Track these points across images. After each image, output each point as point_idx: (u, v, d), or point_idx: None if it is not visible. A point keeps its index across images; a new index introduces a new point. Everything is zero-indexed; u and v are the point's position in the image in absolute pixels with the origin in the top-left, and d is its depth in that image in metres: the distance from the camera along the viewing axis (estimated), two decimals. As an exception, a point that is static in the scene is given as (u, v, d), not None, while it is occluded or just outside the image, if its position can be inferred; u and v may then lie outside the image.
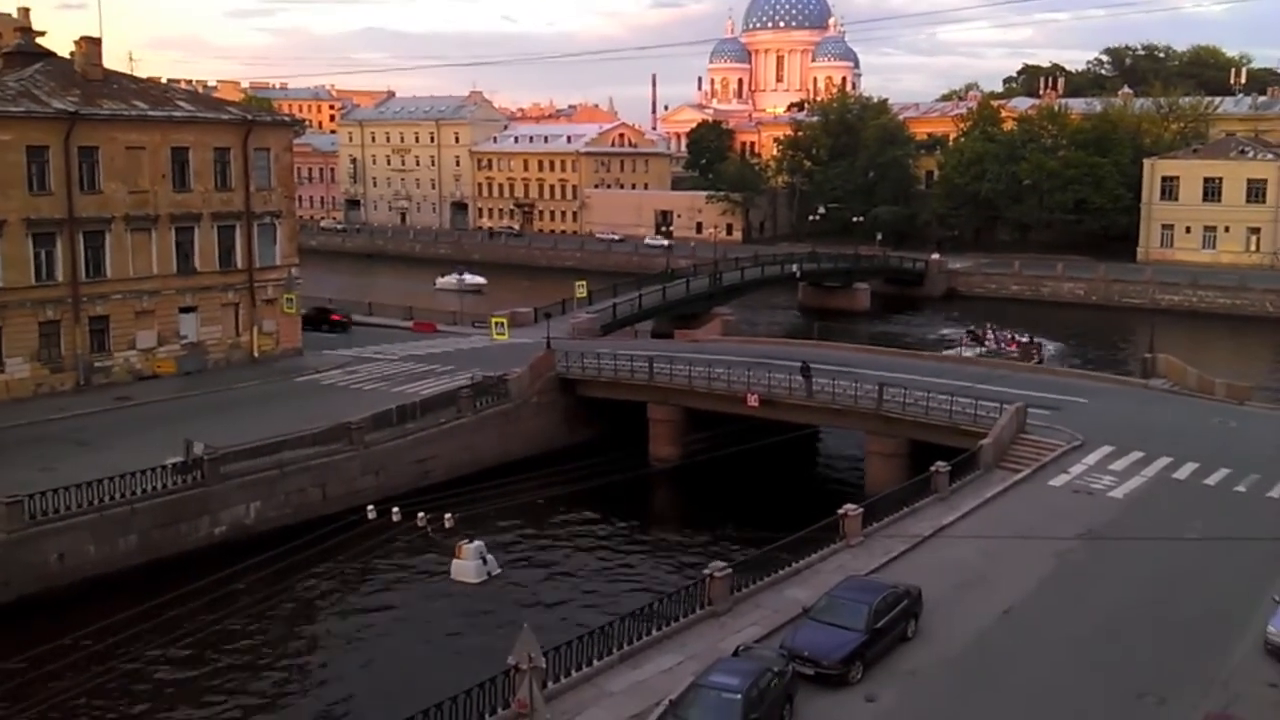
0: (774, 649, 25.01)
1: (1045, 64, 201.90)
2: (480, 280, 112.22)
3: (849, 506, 33.46)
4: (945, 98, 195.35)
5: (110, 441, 43.32)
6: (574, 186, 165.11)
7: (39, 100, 51.32)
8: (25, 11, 59.35)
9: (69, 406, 49.03)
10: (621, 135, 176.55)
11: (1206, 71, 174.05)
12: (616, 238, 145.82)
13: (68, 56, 56.90)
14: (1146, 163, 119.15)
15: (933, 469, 37.32)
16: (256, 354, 59.91)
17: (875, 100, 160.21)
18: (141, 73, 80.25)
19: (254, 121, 60.49)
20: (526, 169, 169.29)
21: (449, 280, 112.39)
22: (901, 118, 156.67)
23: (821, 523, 32.95)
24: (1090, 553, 31.84)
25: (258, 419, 45.84)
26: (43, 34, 59.19)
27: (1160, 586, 29.59)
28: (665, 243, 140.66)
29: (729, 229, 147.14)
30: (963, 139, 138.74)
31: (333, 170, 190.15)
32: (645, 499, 46.66)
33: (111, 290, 53.75)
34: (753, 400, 48.53)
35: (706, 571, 29.02)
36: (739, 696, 21.63)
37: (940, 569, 30.25)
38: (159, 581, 33.07)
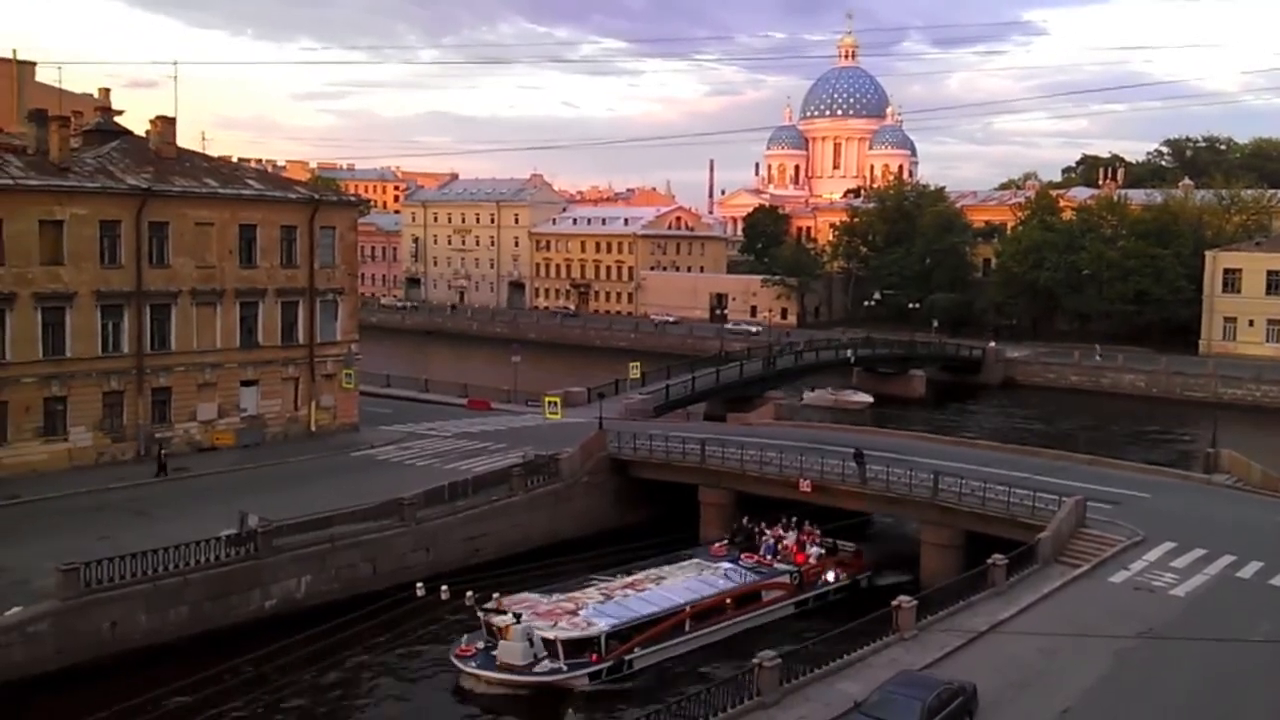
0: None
1: (1103, 154, 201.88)
2: (865, 399, 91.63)
3: (903, 598, 32.85)
4: (1003, 186, 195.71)
5: (167, 512, 43.82)
6: (630, 268, 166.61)
7: (114, 177, 52.99)
8: (105, 92, 61.74)
9: (129, 476, 49.79)
10: (678, 218, 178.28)
11: (1268, 164, 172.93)
12: (671, 319, 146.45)
13: (143, 135, 58.87)
14: (1209, 255, 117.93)
15: (989, 561, 36.59)
16: (314, 428, 60.59)
17: (932, 188, 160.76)
18: (213, 151, 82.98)
19: (320, 201, 61.92)
20: (584, 250, 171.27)
21: (821, 395, 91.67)
22: (958, 205, 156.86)
23: (874, 614, 32.37)
24: (1151, 652, 30.90)
25: (311, 493, 46.20)
26: (120, 113, 61.43)
27: (1224, 689, 28.58)
28: (755, 329, 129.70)
29: (784, 313, 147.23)
30: (1021, 228, 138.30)
31: (395, 249, 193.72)
32: (695, 584, 46.04)
33: (175, 362, 54.82)
34: (805, 485, 48.15)
35: (755, 661, 28.56)
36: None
37: (996, 666, 29.50)
38: (208, 653, 33.17)
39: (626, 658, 35.25)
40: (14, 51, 71.43)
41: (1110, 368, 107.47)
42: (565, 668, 34.23)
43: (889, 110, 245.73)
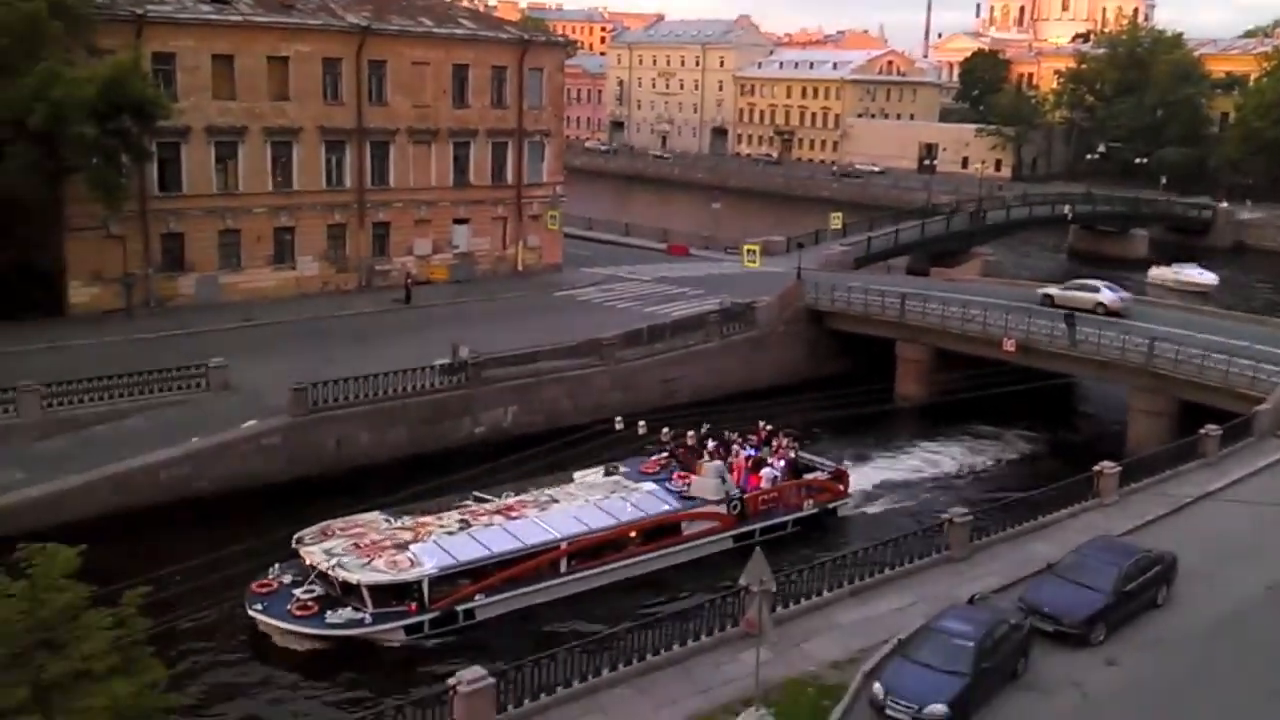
0: (1011, 602, 24.55)
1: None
2: (1210, 279, 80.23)
3: (1105, 464, 32.11)
4: (1248, 34, 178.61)
5: (385, 340, 46.56)
6: (836, 115, 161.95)
7: (334, 14, 54.72)
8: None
9: (351, 304, 52.95)
10: (890, 63, 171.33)
11: None
12: (877, 169, 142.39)
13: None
14: None
15: (1202, 431, 35.19)
16: (520, 267, 62.56)
17: (1169, 34, 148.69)
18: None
19: (530, 41, 62.34)
20: (789, 96, 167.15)
21: (1164, 273, 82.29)
22: (1197, 54, 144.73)
23: (1073, 478, 31.78)
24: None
25: (517, 329, 48.06)
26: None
27: None
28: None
29: (998, 165, 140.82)
30: (1265, 79, 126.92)
31: (600, 92, 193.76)
32: (888, 437, 46.09)
33: (393, 198, 57.24)
34: (1009, 345, 46.89)
35: (946, 516, 28.68)
36: (972, 644, 21.39)
37: (1200, 537, 28.70)
38: (422, 473, 35.37)
39: (460, 607, 28.37)
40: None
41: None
42: (369, 619, 27.47)
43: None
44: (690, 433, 37.05)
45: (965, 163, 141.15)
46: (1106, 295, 54.76)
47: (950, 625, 22.15)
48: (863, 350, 52.46)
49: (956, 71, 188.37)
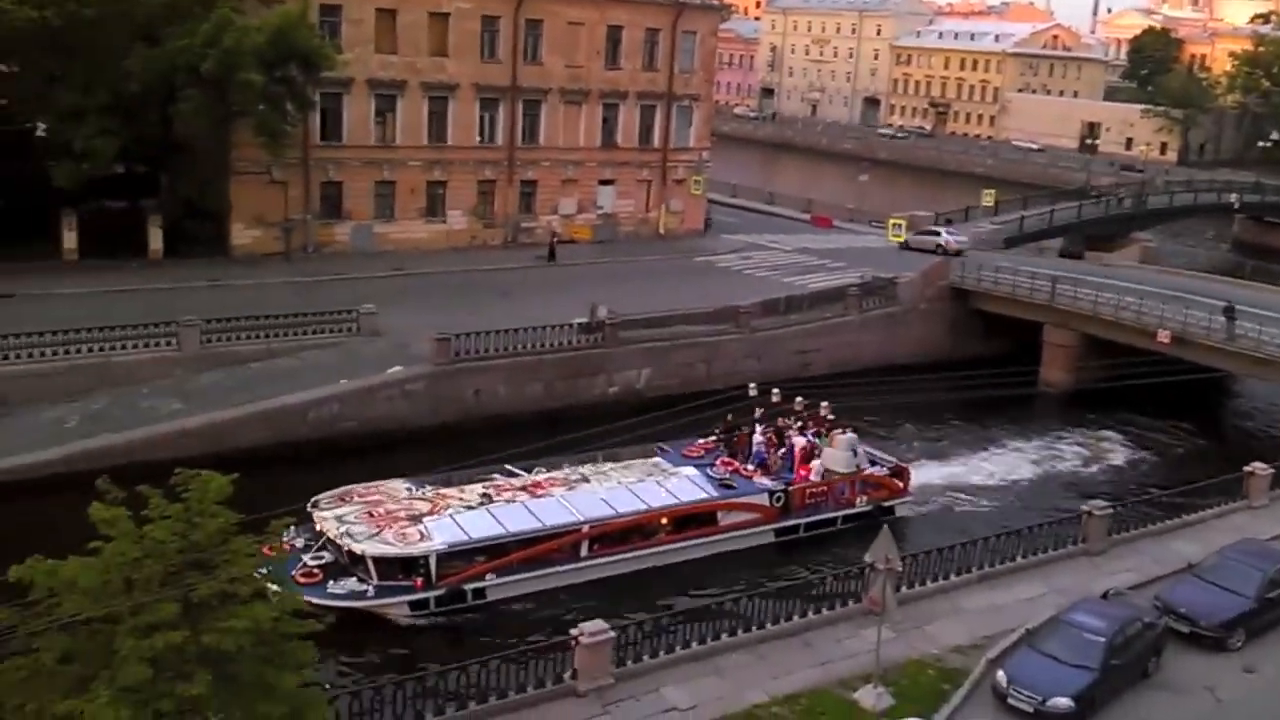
0: (1147, 600, 23.87)
1: None
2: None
3: (1257, 465, 30.86)
4: None
5: (528, 296, 47.40)
6: (995, 88, 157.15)
7: (497, -27, 55.47)
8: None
9: (496, 260, 54.00)
10: (1055, 37, 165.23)
11: None
12: (1035, 147, 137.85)
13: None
14: None
15: (1367, 439, 33.40)
16: (662, 230, 62.77)
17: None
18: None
19: (685, 4, 61.97)
20: (946, 66, 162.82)
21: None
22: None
23: (1222, 477, 30.58)
24: None
25: (655, 292, 48.28)
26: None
27: None
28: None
29: (1163, 148, 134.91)
30: None
31: (751, 57, 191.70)
32: (1029, 422, 44.93)
33: (542, 157, 58.02)
34: (1163, 336, 45.10)
35: (1086, 508, 28.02)
36: (1103, 639, 20.92)
37: (1359, 549, 27.29)
38: (556, 427, 35.94)
39: (470, 586, 27.21)
40: None
41: None
42: (373, 591, 26.44)
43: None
44: (762, 409, 35.00)
45: (1129, 144, 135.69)
46: (946, 238, 61.87)
47: (1081, 619, 21.67)
48: (1007, 333, 51.10)
49: (1124, 49, 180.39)
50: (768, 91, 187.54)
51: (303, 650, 15.08)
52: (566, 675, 20.36)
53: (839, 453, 33.67)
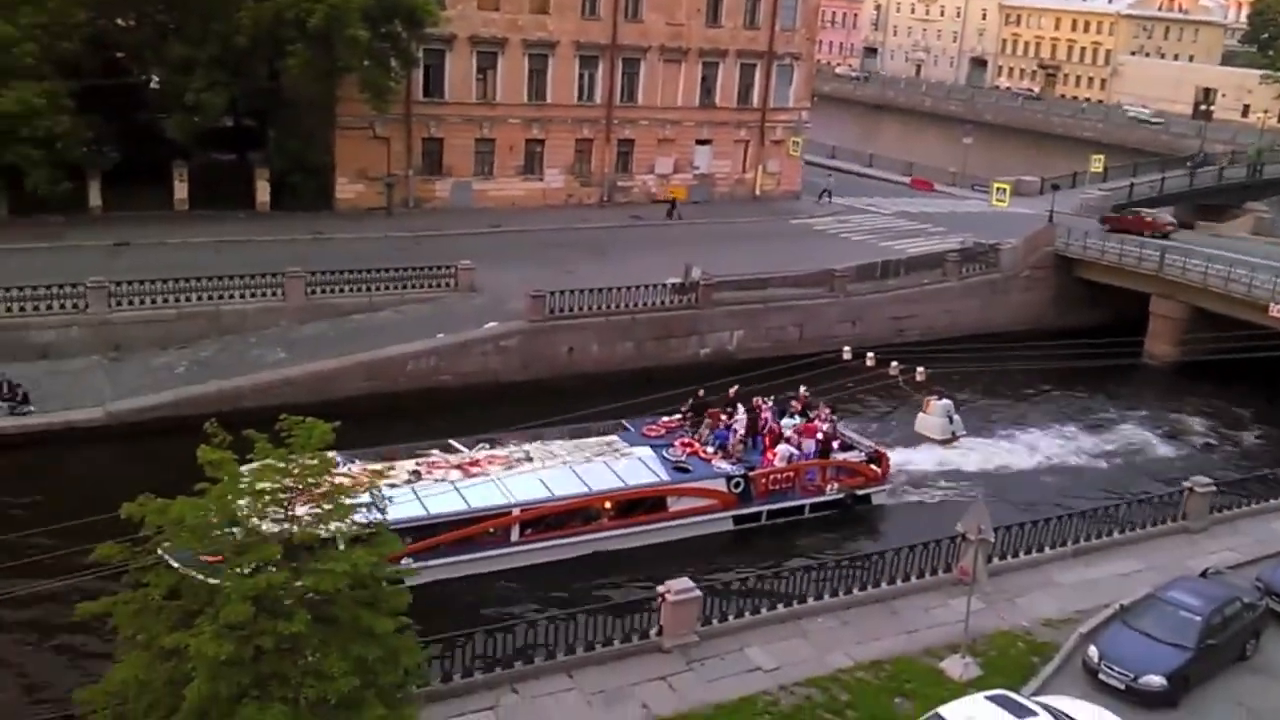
0: (1248, 580, 23.26)
1: None
2: None
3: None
4: None
5: (622, 255, 47.50)
6: (1107, 51, 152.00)
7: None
8: None
9: (591, 219, 54.20)
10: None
11: None
12: (1146, 111, 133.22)
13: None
14: None
15: None
16: (758, 192, 62.30)
17: None
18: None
19: (789, -39, 61.25)
20: (1057, 27, 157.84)
21: None
22: None
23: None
24: None
25: (750, 254, 48.00)
26: None
27: None
28: None
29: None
30: None
31: (855, 16, 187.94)
32: (1131, 394, 43.87)
33: (640, 116, 57.89)
34: (1276, 311, 43.50)
35: (1187, 484, 27.35)
36: (1199, 618, 20.50)
37: None
38: (647, 385, 36.06)
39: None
40: None
41: None
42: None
43: None
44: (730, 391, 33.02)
45: (1245, 111, 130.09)
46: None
47: (1178, 596, 21.24)
48: (1114, 303, 49.78)
49: (1245, 12, 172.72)
50: (870, 51, 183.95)
51: (397, 596, 15.49)
52: (653, 631, 20.64)
53: (933, 418, 33.34)
